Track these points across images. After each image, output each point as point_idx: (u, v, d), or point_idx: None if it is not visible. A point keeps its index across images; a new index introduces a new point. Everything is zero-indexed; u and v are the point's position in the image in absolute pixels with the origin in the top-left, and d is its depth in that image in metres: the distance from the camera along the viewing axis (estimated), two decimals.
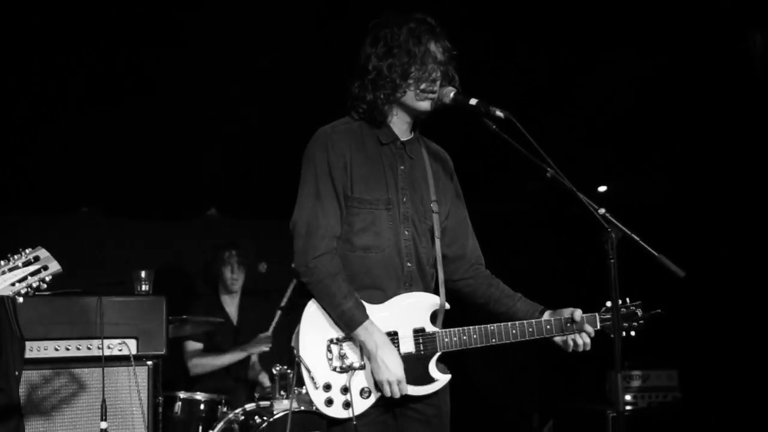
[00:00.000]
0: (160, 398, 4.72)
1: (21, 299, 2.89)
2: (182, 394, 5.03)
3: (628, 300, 3.02)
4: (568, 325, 2.96)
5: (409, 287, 2.93)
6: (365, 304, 2.86)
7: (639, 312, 3.01)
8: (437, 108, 2.98)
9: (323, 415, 2.84)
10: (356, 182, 2.91)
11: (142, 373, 4.49)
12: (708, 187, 6.50)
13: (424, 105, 2.96)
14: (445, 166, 3.15)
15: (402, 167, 3.00)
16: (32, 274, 2.87)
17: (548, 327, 2.95)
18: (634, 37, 5.50)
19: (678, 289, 3.77)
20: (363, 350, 2.84)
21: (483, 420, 6.69)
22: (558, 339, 2.99)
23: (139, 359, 4.48)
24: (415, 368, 2.86)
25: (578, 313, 2.96)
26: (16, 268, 2.86)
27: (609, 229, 2.69)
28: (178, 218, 6.43)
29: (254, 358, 5.66)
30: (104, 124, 5.53)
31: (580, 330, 2.96)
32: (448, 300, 2.98)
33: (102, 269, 5.71)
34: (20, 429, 3.73)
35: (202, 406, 5.04)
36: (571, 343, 2.97)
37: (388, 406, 2.88)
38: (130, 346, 4.45)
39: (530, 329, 2.94)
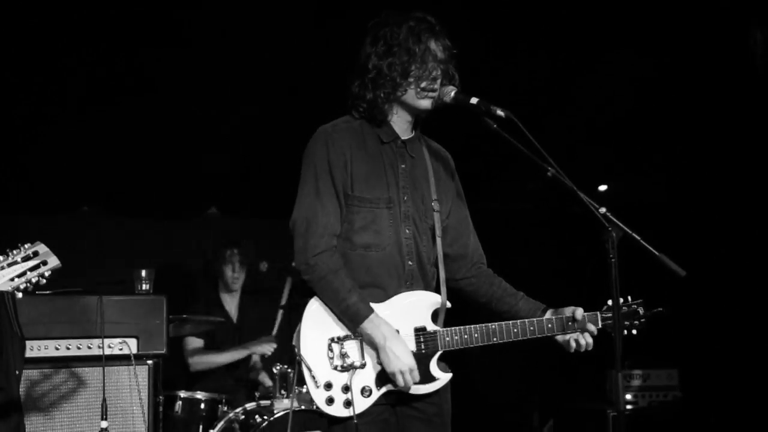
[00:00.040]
0: (160, 397, 4.73)
1: (20, 294, 2.87)
2: (183, 394, 5.03)
3: (629, 298, 3.02)
4: (570, 324, 2.95)
5: (410, 286, 2.93)
6: None
7: (640, 311, 3.00)
8: (438, 107, 2.98)
9: (324, 414, 2.83)
10: (356, 180, 2.91)
11: (142, 372, 4.51)
12: (708, 187, 6.51)
13: (425, 104, 2.96)
14: (446, 165, 3.15)
15: (403, 166, 3.00)
16: (31, 269, 2.84)
17: (550, 326, 2.95)
18: (634, 37, 5.50)
19: (678, 288, 3.77)
20: (369, 344, 2.82)
21: (483, 420, 6.68)
22: (560, 338, 2.99)
23: (139, 358, 4.49)
24: (417, 367, 2.85)
25: (579, 312, 2.95)
26: (15, 263, 2.84)
27: (610, 229, 2.69)
28: (178, 217, 6.43)
29: (255, 358, 5.66)
30: (104, 123, 5.53)
31: (582, 329, 2.95)
32: (449, 299, 2.98)
33: (102, 268, 5.71)
34: (21, 428, 3.72)
35: (202, 406, 5.05)
36: (573, 343, 2.97)
37: (389, 404, 2.88)
38: (131, 346, 4.46)
39: (531, 328, 2.94)
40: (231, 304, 5.90)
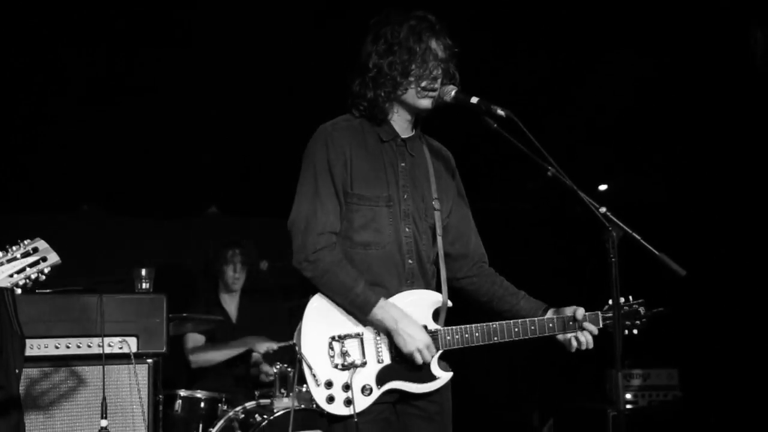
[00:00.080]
0: (160, 396, 4.72)
1: (19, 291, 2.86)
2: (182, 392, 5.03)
3: (630, 298, 3.02)
4: (571, 323, 2.95)
5: (411, 284, 2.93)
6: None
7: (641, 310, 3.00)
8: (438, 106, 2.98)
9: (324, 413, 2.83)
10: (356, 179, 2.90)
11: (142, 371, 4.50)
12: (708, 187, 6.51)
13: (425, 103, 2.96)
14: (447, 164, 3.15)
15: (403, 164, 3.00)
16: (31, 265, 2.82)
17: (550, 325, 2.95)
18: (634, 37, 5.50)
19: (679, 288, 3.77)
20: (382, 331, 2.83)
21: (483, 419, 6.68)
22: (560, 337, 2.99)
23: (139, 357, 4.49)
24: (418, 366, 2.85)
25: (580, 312, 2.96)
26: (15, 259, 2.82)
27: (610, 228, 2.68)
28: (178, 216, 6.43)
29: (256, 356, 5.65)
30: (104, 123, 5.54)
31: (582, 328, 2.96)
32: (450, 297, 2.98)
33: (103, 267, 5.71)
34: (20, 426, 3.71)
35: (202, 404, 5.04)
36: (574, 342, 2.97)
37: (390, 403, 2.88)
38: (131, 344, 4.45)
39: (532, 327, 2.94)
40: (231, 304, 5.89)
